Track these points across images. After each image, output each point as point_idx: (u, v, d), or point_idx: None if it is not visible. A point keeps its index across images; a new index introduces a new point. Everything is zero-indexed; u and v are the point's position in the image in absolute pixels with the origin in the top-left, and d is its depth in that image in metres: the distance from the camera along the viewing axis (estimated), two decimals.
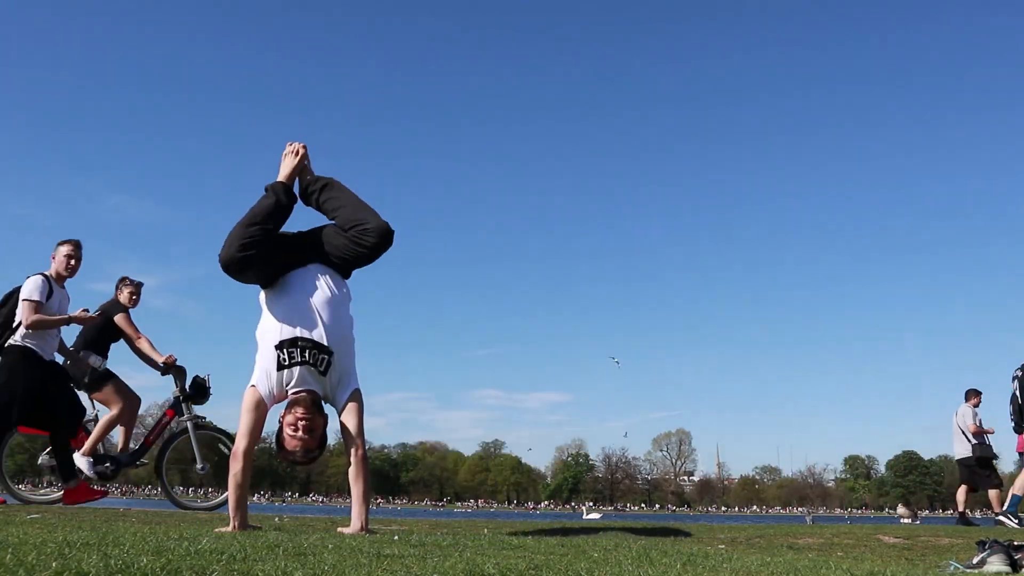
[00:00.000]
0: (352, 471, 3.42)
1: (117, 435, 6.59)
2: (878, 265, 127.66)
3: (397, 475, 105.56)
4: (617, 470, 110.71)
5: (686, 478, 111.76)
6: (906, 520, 18.56)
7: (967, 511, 9.64)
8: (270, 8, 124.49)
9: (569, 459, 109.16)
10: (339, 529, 3.53)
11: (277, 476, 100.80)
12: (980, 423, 10.00)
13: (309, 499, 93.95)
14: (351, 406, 3.47)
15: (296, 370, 3.40)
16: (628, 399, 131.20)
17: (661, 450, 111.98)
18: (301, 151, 3.80)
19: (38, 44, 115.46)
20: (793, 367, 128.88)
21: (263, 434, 3.66)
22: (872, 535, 4.36)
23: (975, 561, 3.14)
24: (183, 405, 6.52)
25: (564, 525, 5.57)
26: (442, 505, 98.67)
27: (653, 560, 2.53)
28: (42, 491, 6.51)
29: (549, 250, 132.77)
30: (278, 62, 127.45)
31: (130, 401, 6.36)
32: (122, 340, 6.44)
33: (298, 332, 3.42)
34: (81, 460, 6.14)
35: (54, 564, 1.65)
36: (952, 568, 3.16)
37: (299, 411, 3.35)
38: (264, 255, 3.53)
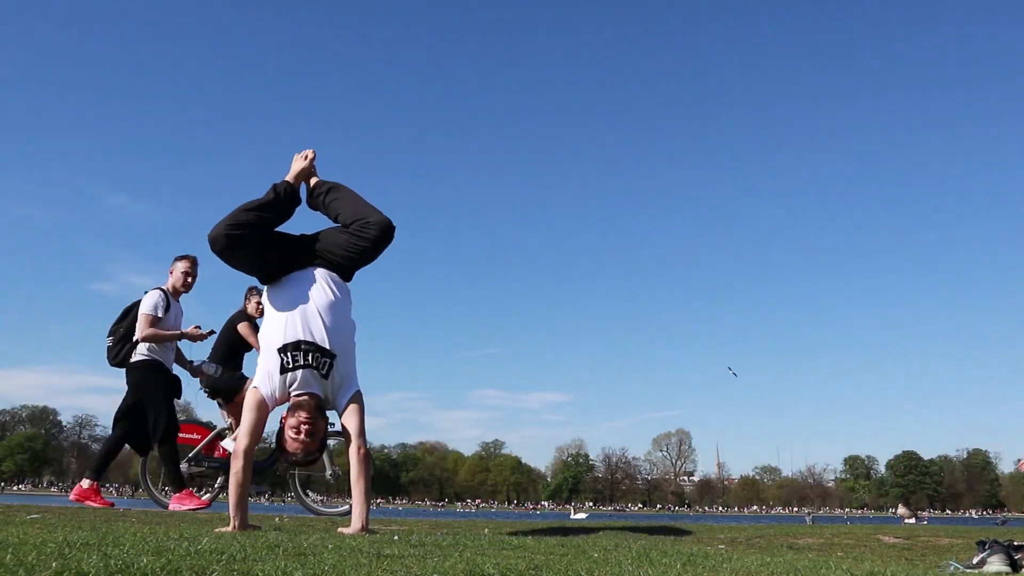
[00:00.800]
0: (353, 471, 3.43)
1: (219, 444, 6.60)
2: (878, 266, 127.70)
3: (397, 475, 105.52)
4: (617, 470, 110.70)
5: (686, 478, 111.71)
6: (910, 520, 18.57)
7: None
8: (270, 8, 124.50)
9: (569, 459, 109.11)
10: (339, 529, 3.53)
11: (277, 476, 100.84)
12: None
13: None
14: (352, 407, 3.49)
15: (299, 373, 3.42)
16: (628, 399, 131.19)
17: (661, 450, 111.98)
18: (310, 155, 3.90)
19: (38, 44, 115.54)
20: (793, 367, 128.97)
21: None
22: (872, 535, 4.35)
23: (975, 561, 3.14)
24: None
25: (563, 525, 5.57)
26: (442, 505, 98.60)
27: (653, 560, 2.53)
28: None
29: (549, 250, 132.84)
30: (278, 62, 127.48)
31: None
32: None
33: (301, 336, 3.44)
34: (232, 444, 6.21)
35: (54, 564, 1.65)
36: (952, 568, 3.16)
37: (302, 415, 3.37)
38: (253, 241, 3.57)
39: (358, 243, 3.61)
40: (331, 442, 6.51)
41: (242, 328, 6.37)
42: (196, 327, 6.01)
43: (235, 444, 3.42)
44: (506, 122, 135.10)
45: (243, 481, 3.38)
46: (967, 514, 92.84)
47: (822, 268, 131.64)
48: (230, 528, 3.33)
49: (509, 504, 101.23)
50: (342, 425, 3.53)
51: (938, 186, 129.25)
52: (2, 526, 3.16)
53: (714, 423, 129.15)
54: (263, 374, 3.45)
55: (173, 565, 1.72)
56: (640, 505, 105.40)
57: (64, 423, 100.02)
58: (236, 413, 6.39)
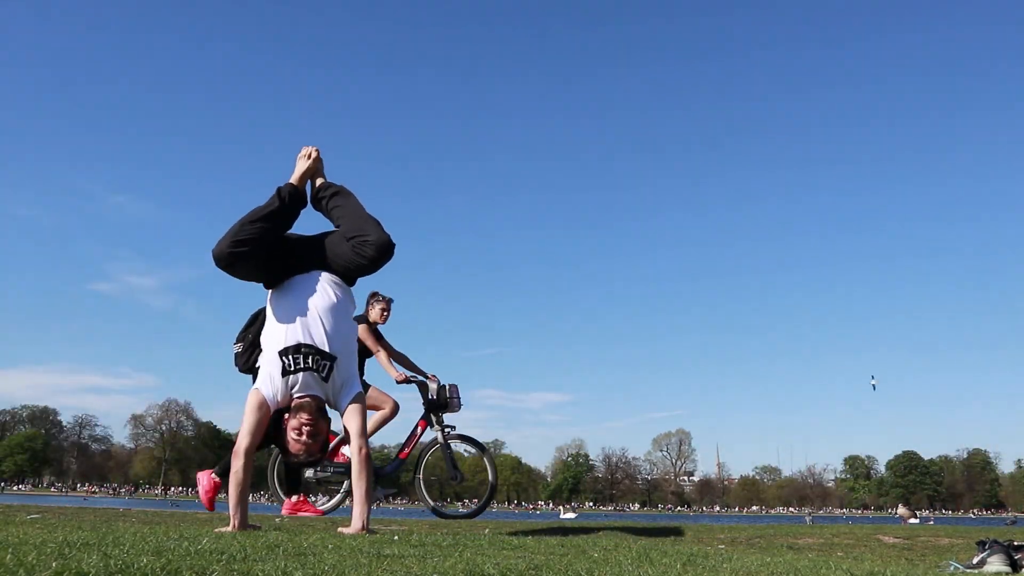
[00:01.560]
0: (355, 471, 3.44)
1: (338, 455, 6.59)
2: (878, 265, 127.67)
3: (397, 475, 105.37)
4: (617, 470, 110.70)
5: (686, 478, 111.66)
6: (914, 520, 18.49)
7: None
8: (271, 9, 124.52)
9: (569, 459, 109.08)
10: (339, 529, 3.53)
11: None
12: None
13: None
14: (353, 407, 3.50)
15: (300, 376, 3.43)
16: (628, 399, 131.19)
17: (661, 450, 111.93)
18: (314, 155, 3.85)
19: (38, 44, 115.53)
20: (793, 367, 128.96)
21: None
22: (872, 535, 4.35)
23: (975, 561, 3.14)
24: (433, 416, 6.52)
25: (561, 525, 5.57)
26: (314, 502, 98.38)
27: (653, 560, 2.53)
28: (319, 502, 6.61)
29: (549, 250, 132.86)
30: (279, 62, 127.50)
31: (394, 401, 6.44)
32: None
33: (301, 339, 3.45)
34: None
35: (54, 564, 1.65)
36: (952, 568, 3.15)
37: (303, 416, 3.38)
38: (258, 254, 3.56)
39: (356, 259, 3.60)
40: (463, 447, 6.61)
41: (361, 332, 6.32)
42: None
43: (235, 444, 3.42)
44: (506, 122, 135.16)
45: (242, 480, 3.39)
46: (969, 514, 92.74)
47: (822, 268, 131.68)
48: (230, 528, 3.33)
49: (509, 504, 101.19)
50: (343, 425, 3.53)
51: (937, 186, 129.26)
52: (2, 526, 3.16)
53: (714, 423, 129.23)
54: (265, 376, 3.46)
55: (173, 565, 1.72)
56: (640, 505, 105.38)
57: (64, 423, 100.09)
58: (373, 405, 6.40)
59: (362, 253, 3.57)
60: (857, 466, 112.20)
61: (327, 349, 3.46)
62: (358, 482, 3.44)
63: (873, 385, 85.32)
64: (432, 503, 6.56)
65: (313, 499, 6.36)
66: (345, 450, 6.21)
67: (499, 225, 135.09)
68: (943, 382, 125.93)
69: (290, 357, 3.43)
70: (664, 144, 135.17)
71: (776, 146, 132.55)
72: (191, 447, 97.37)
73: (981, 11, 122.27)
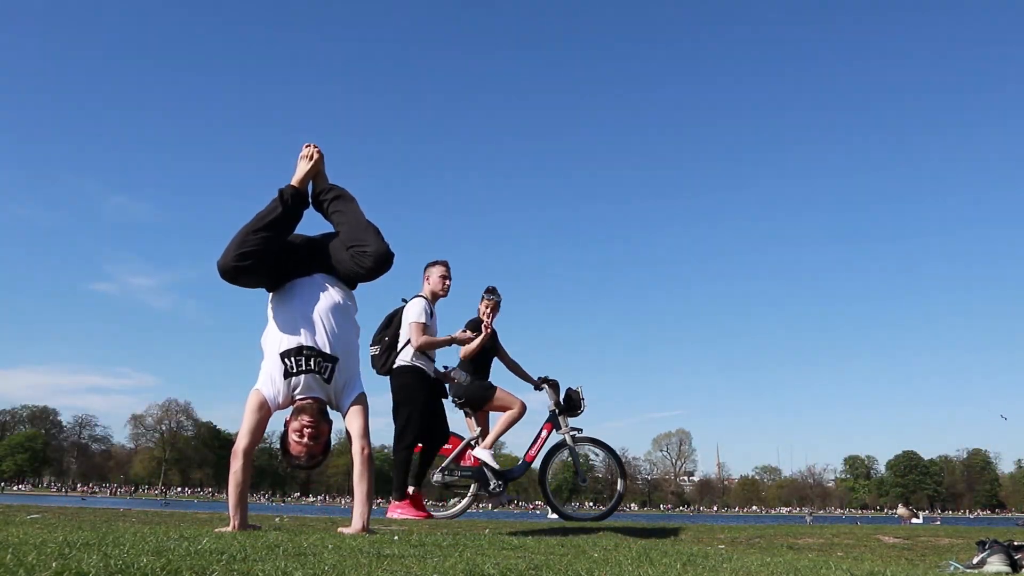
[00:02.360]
0: (357, 471, 3.44)
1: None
2: (878, 265, 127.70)
3: None
4: None
5: (686, 478, 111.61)
6: (917, 520, 18.48)
7: None
8: (271, 9, 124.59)
9: (569, 459, 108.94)
10: (339, 529, 3.53)
11: (277, 476, 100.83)
12: None
13: (309, 499, 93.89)
14: (356, 408, 3.49)
15: (301, 378, 3.43)
16: (628, 399, 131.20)
17: (661, 450, 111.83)
18: (316, 156, 3.77)
19: (38, 44, 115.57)
20: (793, 367, 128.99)
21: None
22: (872, 535, 4.35)
23: (975, 561, 3.14)
24: (559, 419, 6.51)
25: (564, 525, 5.57)
26: (442, 505, 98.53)
27: (653, 560, 2.53)
28: (449, 505, 6.57)
29: (549, 250, 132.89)
30: (279, 61, 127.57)
31: (521, 402, 6.43)
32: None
33: (303, 341, 3.44)
34: (484, 453, 6.24)
35: (54, 564, 1.65)
36: (952, 568, 3.15)
37: (305, 418, 3.38)
38: (263, 263, 3.54)
39: (354, 268, 3.59)
40: (590, 449, 6.59)
41: (415, 310, 6.30)
42: (463, 331, 6.03)
43: (234, 444, 3.42)
44: (506, 121, 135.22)
45: (242, 480, 3.39)
46: (968, 515, 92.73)
47: (822, 268, 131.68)
48: (230, 528, 3.33)
49: (509, 504, 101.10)
50: (346, 426, 3.52)
51: (937, 186, 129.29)
52: (2, 526, 3.17)
53: (714, 423, 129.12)
54: (266, 377, 3.46)
55: (173, 565, 1.72)
56: (640, 505, 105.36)
57: (64, 423, 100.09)
58: (484, 422, 6.46)
59: (360, 263, 3.55)
60: (857, 466, 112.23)
61: (328, 351, 3.46)
62: (360, 483, 3.43)
63: (1004, 417, 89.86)
64: (559, 506, 6.56)
65: (427, 502, 6.35)
66: (478, 453, 6.21)
67: (499, 225, 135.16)
68: (943, 382, 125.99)
69: (292, 359, 3.42)
70: (665, 143, 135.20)
71: (779, 145, 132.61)
72: (191, 447, 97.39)
73: (979, 10, 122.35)
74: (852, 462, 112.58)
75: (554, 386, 6.50)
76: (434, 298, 6.01)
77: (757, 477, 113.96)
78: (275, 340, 3.49)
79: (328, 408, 3.51)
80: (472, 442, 6.33)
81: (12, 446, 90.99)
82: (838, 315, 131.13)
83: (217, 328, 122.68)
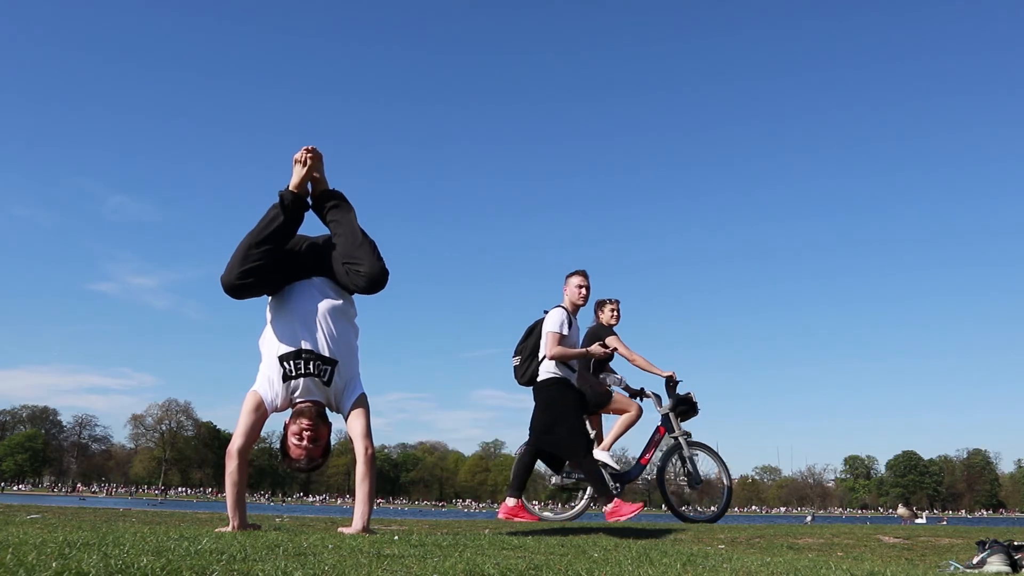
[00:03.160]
0: (360, 471, 3.43)
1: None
2: (878, 265, 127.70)
3: (397, 475, 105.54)
4: None
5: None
6: (921, 520, 18.48)
7: None
8: (271, 9, 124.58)
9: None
10: (339, 529, 3.53)
11: (277, 476, 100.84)
12: None
13: (309, 499, 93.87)
14: (357, 410, 3.48)
15: (300, 381, 3.42)
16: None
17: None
18: (310, 161, 3.65)
19: (38, 44, 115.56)
20: (793, 367, 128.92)
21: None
22: (872, 535, 4.35)
23: (975, 561, 3.14)
24: (673, 421, 6.56)
25: (564, 525, 5.57)
26: (442, 505, 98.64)
27: (653, 560, 2.53)
28: (558, 509, 6.67)
29: (549, 250, 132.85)
30: (279, 60, 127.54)
31: (638, 405, 6.50)
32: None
33: (302, 344, 3.43)
34: (603, 455, 6.29)
35: (54, 564, 1.65)
36: (952, 568, 3.15)
37: (304, 422, 3.38)
38: (266, 277, 3.52)
39: (348, 284, 3.57)
40: (698, 452, 6.62)
41: (612, 341, 6.33)
42: (600, 344, 6.02)
43: (229, 445, 3.41)
44: (507, 121, 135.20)
45: (238, 481, 3.38)
46: (973, 514, 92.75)
47: (822, 267, 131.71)
48: (229, 528, 3.33)
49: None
50: (348, 427, 3.49)
51: (937, 185, 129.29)
52: (2, 526, 3.16)
53: (714, 423, 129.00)
54: (264, 379, 3.45)
55: (173, 565, 1.72)
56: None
57: (64, 423, 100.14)
58: (597, 425, 6.53)
59: (354, 282, 3.52)
60: (857, 466, 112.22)
61: (328, 354, 3.44)
62: (362, 483, 3.41)
63: None
64: (675, 507, 6.70)
65: (535, 504, 6.40)
66: (598, 454, 6.21)
67: (499, 225, 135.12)
68: (943, 382, 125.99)
69: (291, 362, 3.41)
70: (665, 141, 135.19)
71: (778, 144, 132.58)
72: (191, 447, 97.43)
73: (980, 8, 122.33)
74: (852, 462, 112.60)
75: (674, 389, 6.55)
76: (573, 308, 6.00)
77: (757, 477, 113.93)
78: (273, 343, 3.48)
79: (327, 410, 3.51)
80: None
81: (12, 446, 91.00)
82: (838, 315, 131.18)
83: (217, 328, 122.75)
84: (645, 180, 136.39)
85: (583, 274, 6.07)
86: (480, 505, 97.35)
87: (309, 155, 3.66)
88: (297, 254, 3.67)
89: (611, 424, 6.65)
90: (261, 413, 3.43)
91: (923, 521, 18.80)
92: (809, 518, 36.07)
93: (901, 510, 18.20)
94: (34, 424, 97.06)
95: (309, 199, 3.75)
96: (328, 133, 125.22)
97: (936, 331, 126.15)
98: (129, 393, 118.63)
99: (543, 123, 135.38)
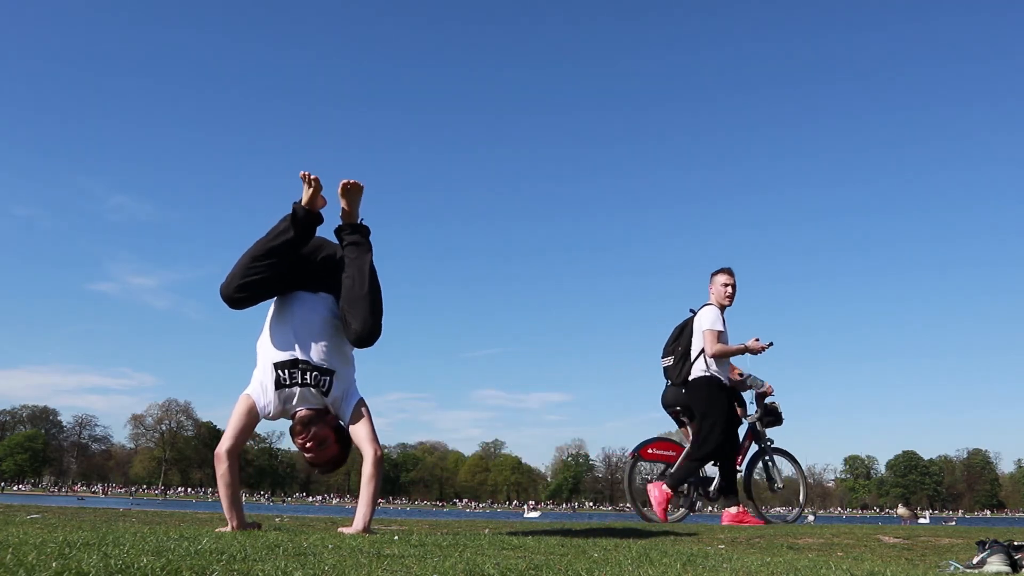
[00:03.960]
0: (366, 473, 3.40)
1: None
2: (878, 265, 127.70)
3: (397, 475, 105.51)
4: (617, 470, 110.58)
5: (768, 482, 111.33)
6: (924, 520, 18.51)
7: None
8: (271, 8, 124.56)
9: (569, 459, 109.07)
10: (339, 528, 3.52)
11: (277, 476, 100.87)
12: None
13: (309, 499, 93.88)
14: (359, 415, 3.45)
15: (296, 391, 3.39)
16: (628, 399, 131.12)
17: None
18: (314, 184, 3.49)
19: (38, 44, 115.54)
20: (793, 367, 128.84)
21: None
22: (872, 535, 4.35)
23: (975, 561, 3.13)
24: (760, 430, 6.63)
25: (564, 526, 5.57)
26: (443, 504, 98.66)
27: (653, 560, 2.53)
28: (676, 512, 6.71)
29: (549, 250, 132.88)
30: (279, 59, 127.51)
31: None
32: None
33: (298, 354, 3.39)
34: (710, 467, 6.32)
35: (54, 564, 1.65)
36: (952, 568, 3.15)
37: (298, 441, 3.42)
38: (265, 291, 3.49)
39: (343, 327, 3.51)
40: (778, 458, 6.66)
41: (709, 317, 6.26)
42: (756, 339, 5.98)
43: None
44: (506, 121, 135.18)
45: (230, 482, 3.36)
46: (973, 514, 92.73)
47: (822, 267, 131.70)
48: (229, 528, 3.33)
49: (509, 504, 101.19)
50: (352, 433, 3.45)
51: (937, 185, 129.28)
52: (2, 526, 3.16)
53: None
54: (258, 384, 3.42)
55: (173, 565, 1.72)
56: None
57: (64, 423, 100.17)
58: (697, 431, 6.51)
59: (346, 332, 3.47)
60: (857, 466, 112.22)
61: (325, 364, 3.41)
62: (367, 484, 3.39)
63: None
64: (758, 508, 6.75)
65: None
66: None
67: (499, 224, 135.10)
68: (943, 382, 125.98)
69: (286, 371, 3.37)
70: (666, 141, 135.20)
71: (778, 144, 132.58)
72: (191, 447, 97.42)
73: (979, 8, 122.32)
74: (852, 462, 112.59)
75: (763, 397, 6.61)
76: (720, 307, 5.96)
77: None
78: (270, 348, 3.44)
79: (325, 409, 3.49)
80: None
81: (12, 446, 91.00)
82: (838, 315, 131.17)
83: (217, 328, 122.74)
84: (645, 184, 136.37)
85: (729, 272, 6.00)
86: (480, 505, 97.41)
87: (313, 177, 3.51)
88: (309, 263, 3.58)
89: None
90: (252, 417, 3.41)
91: (926, 521, 18.82)
92: (811, 517, 36.07)
93: (901, 510, 18.21)
94: (34, 424, 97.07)
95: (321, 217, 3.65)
96: (327, 134, 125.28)
97: (936, 331, 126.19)
98: (129, 393, 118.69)
99: (543, 123, 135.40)
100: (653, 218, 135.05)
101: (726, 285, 5.96)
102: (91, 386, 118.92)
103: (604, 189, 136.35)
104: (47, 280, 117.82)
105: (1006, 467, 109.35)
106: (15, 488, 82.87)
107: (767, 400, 6.62)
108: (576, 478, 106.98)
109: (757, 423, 6.60)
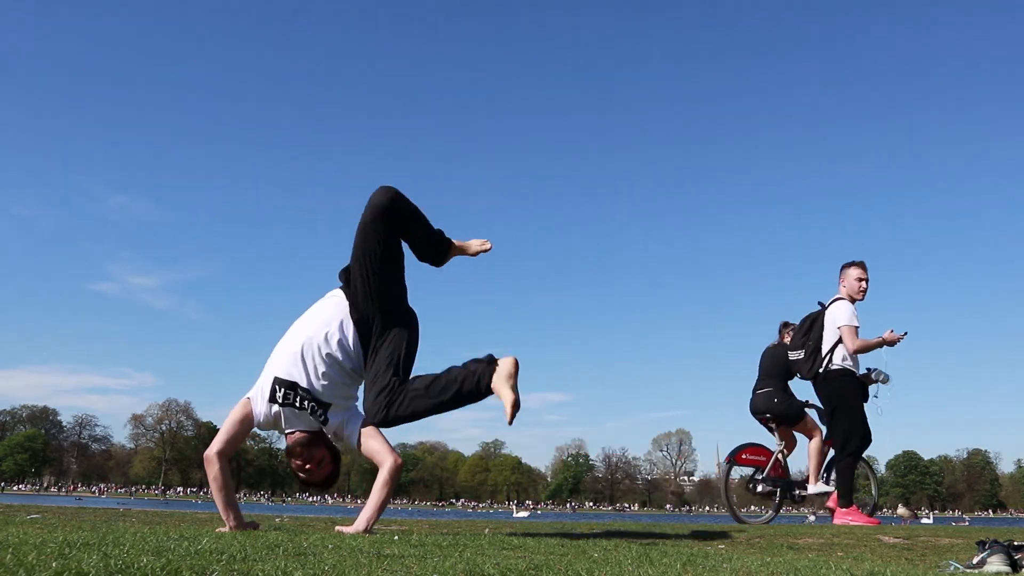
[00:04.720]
0: (380, 477, 3.37)
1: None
2: (877, 264, 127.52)
3: None
4: (617, 470, 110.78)
5: (686, 478, 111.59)
6: (927, 520, 18.54)
7: None
8: (271, 8, 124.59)
9: (569, 459, 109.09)
10: (338, 528, 3.52)
11: (277, 476, 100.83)
12: None
13: (309, 499, 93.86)
14: (367, 431, 3.40)
15: (286, 410, 3.37)
16: (628, 399, 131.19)
17: (661, 450, 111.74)
18: (485, 249, 3.98)
19: (38, 44, 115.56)
20: None
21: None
22: (872, 535, 4.35)
23: (975, 561, 3.13)
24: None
25: (565, 527, 5.57)
26: (443, 504, 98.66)
27: (653, 560, 2.53)
28: (757, 513, 6.83)
29: (549, 250, 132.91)
30: (280, 59, 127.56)
31: (820, 429, 6.50)
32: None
33: (300, 380, 3.36)
34: (815, 488, 6.43)
35: (54, 564, 1.65)
36: (952, 568, 3.15)
37: (298, 461, 3.41)
38: (405, 232, 3.55)
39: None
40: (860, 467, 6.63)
41: (845, 314, 6.16)
42: (891, 331, 5.91)
43: (207, 449, 3.40)
44: (507, 121, 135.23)
45: (222, 483, 3.36)
46: (975, 514, 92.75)
47: (821, 267, 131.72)
48: (227, 528, 3.33)
49: (509, 504, 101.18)
50: (366, 448, 3.40)
51: (937, 184, 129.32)
52: (2, 526, 3.16)
53: (714, 423, 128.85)
54: (258, 390, 3.41)
55: (173, 565, 1.72)
56: (640, 505, 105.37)
57: (64, 423, 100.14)
58: (787, 437, 6.61)
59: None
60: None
61: (324, 399, 3.38)
62: (380, 489, 3.36)
63: None
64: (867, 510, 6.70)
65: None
66: (813, 489, 6.32)
67: (499, 224, 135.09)
68: (943, 382, 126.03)
69: (282, 391, 3.36)
70: (666, 142, 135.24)
71: (777, 144, 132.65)
72: (191, 447, 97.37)
73: (979, 7, 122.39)
74: None
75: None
76: (851, 300, 5.91)
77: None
78: (279, 358, 3.42)
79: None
80: (778, 454, 6.55)
81: (12, 446, 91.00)
82: None
83: (217, 328, 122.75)
84: (646, 179, 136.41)
85: (862, 266, 5.93)
86: (480, 505, 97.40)
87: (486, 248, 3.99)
88: (393, 312, 3.55)
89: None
90: (247, 425, 3.42)
91: (929, 521, 18.81)
92: (811, 518, 36.05)
93: (901, 510, 18.19)
94: (34, 424, 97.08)
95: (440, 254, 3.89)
96: (328, 130, 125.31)
97: (936, 331, 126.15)
98: (129, 393, 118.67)
99: (542, 123, 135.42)
100: (653, 219, 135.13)
101: (860, 279, 5.90)
102: (91, 386, 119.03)
103: (604, 188, 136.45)
104: (47, 280, 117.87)
105: (1006, 467, 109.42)
106: (15, 488, 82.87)
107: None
108: (576, 478, 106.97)
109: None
